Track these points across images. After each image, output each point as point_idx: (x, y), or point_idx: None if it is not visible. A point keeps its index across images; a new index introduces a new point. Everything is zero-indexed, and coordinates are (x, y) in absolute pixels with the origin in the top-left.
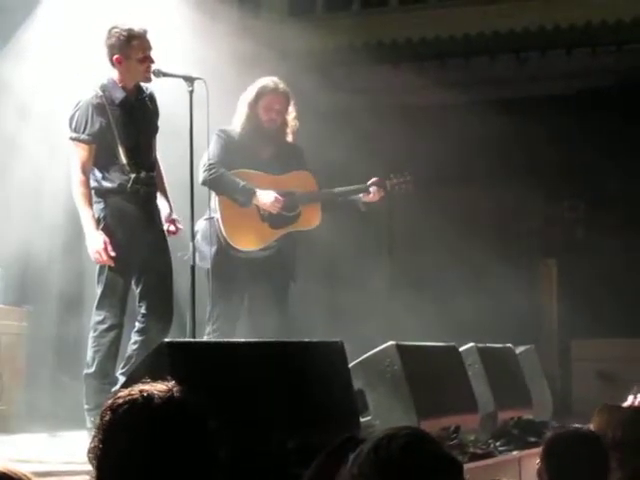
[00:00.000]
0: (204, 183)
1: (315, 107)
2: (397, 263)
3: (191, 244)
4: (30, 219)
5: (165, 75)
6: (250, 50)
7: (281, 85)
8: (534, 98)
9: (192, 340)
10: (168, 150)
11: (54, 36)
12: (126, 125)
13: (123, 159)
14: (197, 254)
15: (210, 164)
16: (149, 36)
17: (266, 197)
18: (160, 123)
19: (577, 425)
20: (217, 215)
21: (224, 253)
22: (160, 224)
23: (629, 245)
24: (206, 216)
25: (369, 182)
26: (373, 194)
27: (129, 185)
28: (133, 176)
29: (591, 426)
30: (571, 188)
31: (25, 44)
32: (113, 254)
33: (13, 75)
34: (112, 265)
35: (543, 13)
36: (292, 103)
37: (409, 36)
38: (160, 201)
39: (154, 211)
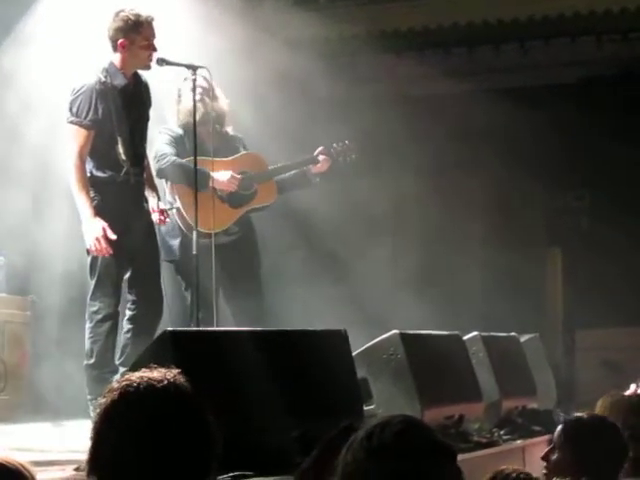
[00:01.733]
0: (158, 173)
1: (318, 96)
2: (401, 251)
3: (195, 232)
4: (34, 208)
5: (169, 64)
6: (253, 39)
7: (200, 72)
8: (538, 87)
9: (195, 329)
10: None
11: (57, 25)
12: (124, 113)
13: (120, 147)
14: (162, 248)
15: (161, 154)
16: (155, 24)
17: (222, 176)
18: (162, 111)
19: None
20: (176, 204)
21: (189, 243)
22: (149, 213)
23: (634, 234)
24: (167, 206)
25: (316, 152)
26: (322, 163)
27: (121, 174)
28: (126, 166)
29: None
30: (576, 177)
31: (28, 33)
32: (114, 237)
33: (16, 64)
34: (109, 254)
35: (547, 2)
36: (215, 86)
37: (412, 25)
38: (147, 191)
39: (143, 200)
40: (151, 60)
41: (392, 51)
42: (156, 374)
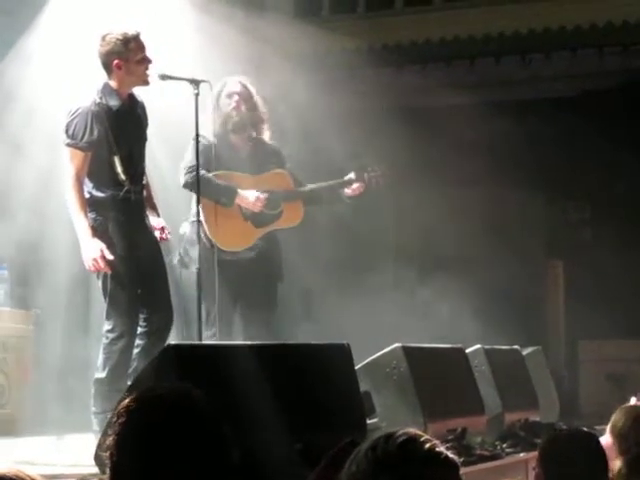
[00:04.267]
0: (185, 186)
1: (319, 109)
2: (403, 265)
3: (197, 247)
4: (37, 222)
5: (171, 78)
6: (255, 52)
7: (235, 78)
8: (539, 99)
9: (198, 343)
10: (175, 152)
11: (59, 40)
12: (121, 134)
13: (118, 167)
14: (186, 260)
15: (190, 167)
16: (143, 37)
17: (248, 195)
18: (165, 126)
19: (584, 427)
20: (200, 217)
21: (210, 256)
22: (152, 230)
23: (635, 246)
24: (190, 219)
25: (347, 177)
26: (356, 188)
27: (121, 193)
28: (126, 185)
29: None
30: (577, 189)
31: (30, 48)
32: (111, 257)
33: (18, 79)
34: (109, 272)
35: (548, 14)
36: (259, 100)
37: (414, 38)
38: (148, 209)
39: (145, 217)
40: (148, 75)
41: (394, 64)
42: (172, 389)
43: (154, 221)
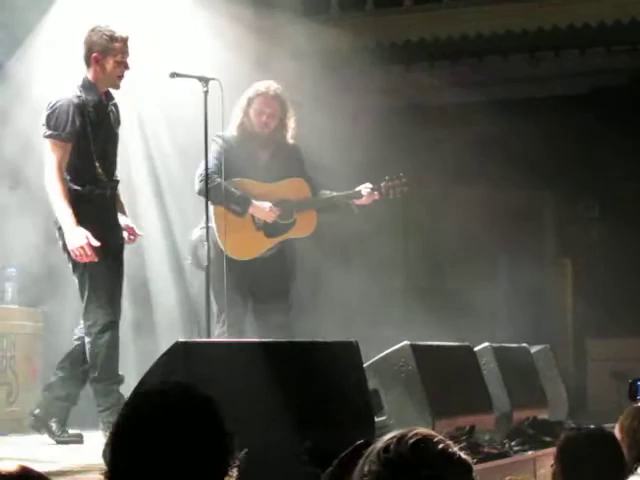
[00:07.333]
0: (200, 193)
1: (328, 107)
2: (412, 262)
3: (206, 244)
4: (45, 220)
5: (180, 76)
6: (264, 50)
7: (273, 88)
8: (548, 98)
9: (207, 340)
10: (183, 149)
11: (67, 37)
12: (98, 128)
13: (95, 162)
14: (195, 261)
15: (206, 174)
16: (130, 43)
17: (262, 206)
18: (174, 123)
19: (591, 425)
20: (211, 223)
21: (223, 257)
22: (121, 228)
23: None
24: (202, 225)
25: (361, 187)
26: (366, 198)
27: (98, 188)
28: (102, 180)
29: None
30: (586, 188)
31: (38, 45)
32: (97, 244)
33: (27, 76)
34: (95, 260)
35: (557, 12)
36: (289, 107)
37: (422, 36)
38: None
39: (116, 214)
40: (121, 79)
41: (402, 62)
42: (174, 386)
43: (123, 221)
